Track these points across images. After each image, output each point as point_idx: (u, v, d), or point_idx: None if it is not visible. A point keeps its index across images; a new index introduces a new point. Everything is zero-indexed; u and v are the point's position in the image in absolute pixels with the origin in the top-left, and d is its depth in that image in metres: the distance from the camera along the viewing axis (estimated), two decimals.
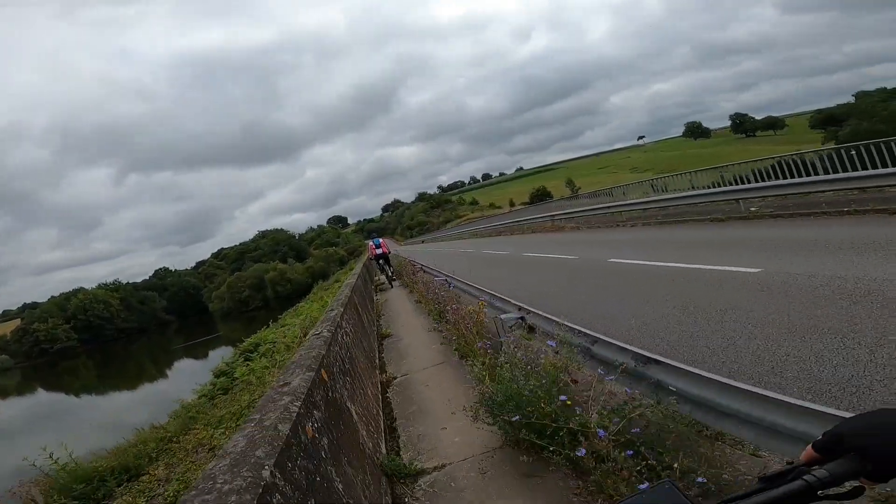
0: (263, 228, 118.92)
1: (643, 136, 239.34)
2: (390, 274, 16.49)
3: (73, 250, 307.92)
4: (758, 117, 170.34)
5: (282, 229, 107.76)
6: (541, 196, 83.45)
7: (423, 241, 65.28)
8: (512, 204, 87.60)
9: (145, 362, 58.09)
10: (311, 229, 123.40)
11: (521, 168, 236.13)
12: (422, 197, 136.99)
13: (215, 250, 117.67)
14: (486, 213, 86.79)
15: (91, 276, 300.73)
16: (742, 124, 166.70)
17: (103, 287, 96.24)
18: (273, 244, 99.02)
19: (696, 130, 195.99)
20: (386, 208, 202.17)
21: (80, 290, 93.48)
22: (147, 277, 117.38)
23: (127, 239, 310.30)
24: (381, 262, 16.78)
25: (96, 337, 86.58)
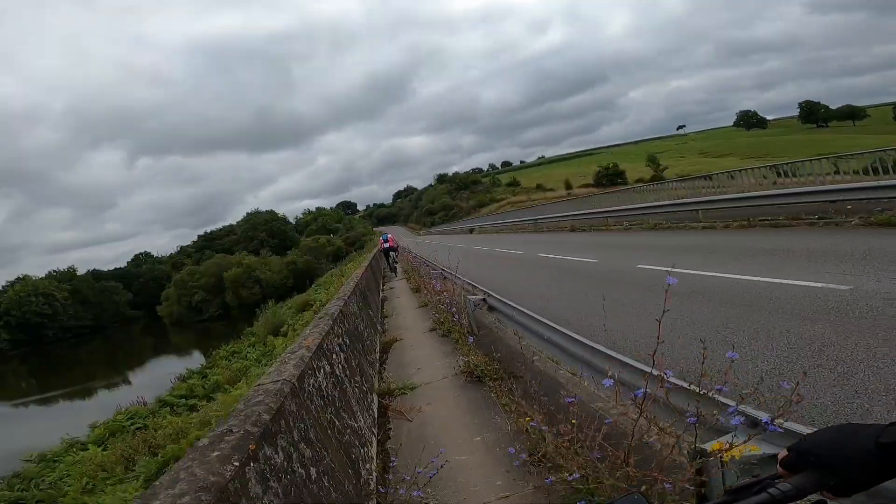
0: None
1: (683, 126, 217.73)
2: (395, 264, 19.49)
3: (85, 231, 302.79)
4: (832, 107, 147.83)
5: (271, 210, 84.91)
6: (612, 176, 64.27)
7: (471, 230, 45.31)
8: (568, 186, 67.91)
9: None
10: (308, 212, 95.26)
11: (542, 157, 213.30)
12: (442, 178, 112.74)
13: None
14: (532, 196, 67.29)
15: (102, 257, 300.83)
16: (814, 113, 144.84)
17: (53, 276, 78.76)
18: (249, 229, 78.32)
19: (750, 119, 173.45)
20: (398, 195, 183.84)
21: (25, 278, 76.07)
22: (125, 264, 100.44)
23: (139, 220, 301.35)
24: (388, 253, 19.91)
25: (35, 338, 69.35)
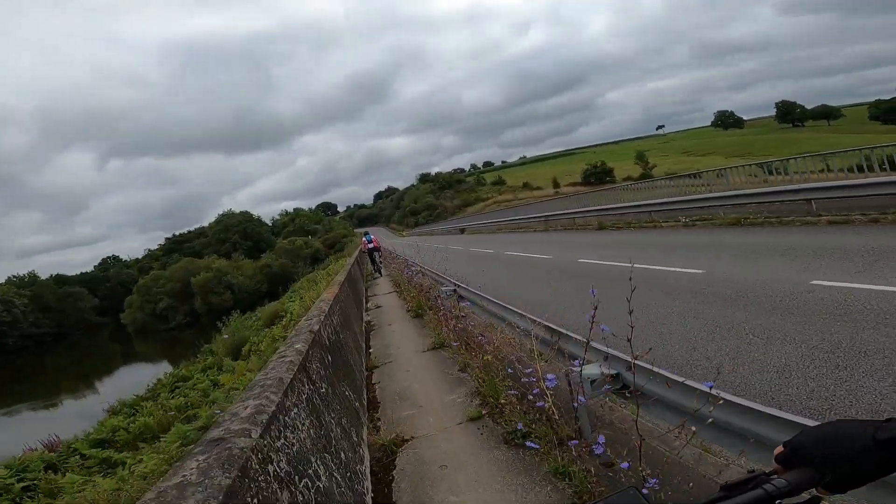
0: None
1: (662, 126, 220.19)
2: (379, 265, 20.05)
3: (56, 234, 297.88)
4: (807, 107, 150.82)
5: (245, 212, 78.45)
6: (600, 174, 62.98)
7: (462, 231, 42.92)
8: (556, 185, 66.16)
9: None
10: (285, 213, 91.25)
11: (524, 157, 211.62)
12: (424, 178, 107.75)
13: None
14: (519, 195, 65.52)
15: (74, 261, 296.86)
16: (790, 113, 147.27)
17: (13, 281, 74.12)
18: (221, 231, 72.87)
19: (727, 119, 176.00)
20: (379, 195, 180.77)
21: None
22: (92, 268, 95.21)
23: (112, 223, 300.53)
24: (372, 254, 20.45)
25: None
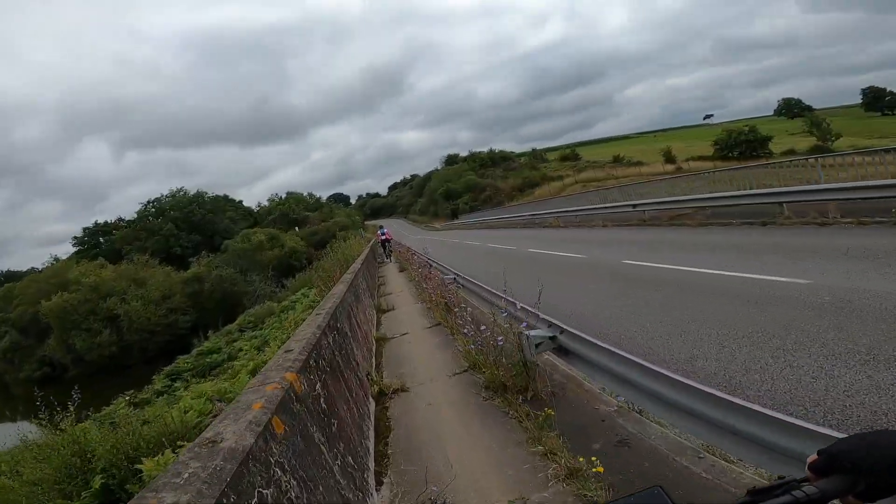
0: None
1: (711, 115, 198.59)
2: (390, 253, 22.53)
3: (77, 223, 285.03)
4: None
5: (201, 192, 53.11)
6: (749, 144, 42.28)
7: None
8: (671, 160, 45.22)
9: None
10: (275, 198, 64.92)
11: (533, 148, 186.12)
12: (452, 160, 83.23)
13: None
14: (615, 173, 44.50)
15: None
16: (880, 99, 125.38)
17: None
18: (156, 217, 46.74)
19: (793, 108, 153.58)
20: (394, 186, 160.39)
21: None
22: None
23: (128, 213, 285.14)
24: (384, 245, 23.18)
25: None
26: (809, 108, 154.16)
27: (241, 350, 16.14)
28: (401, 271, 16.57)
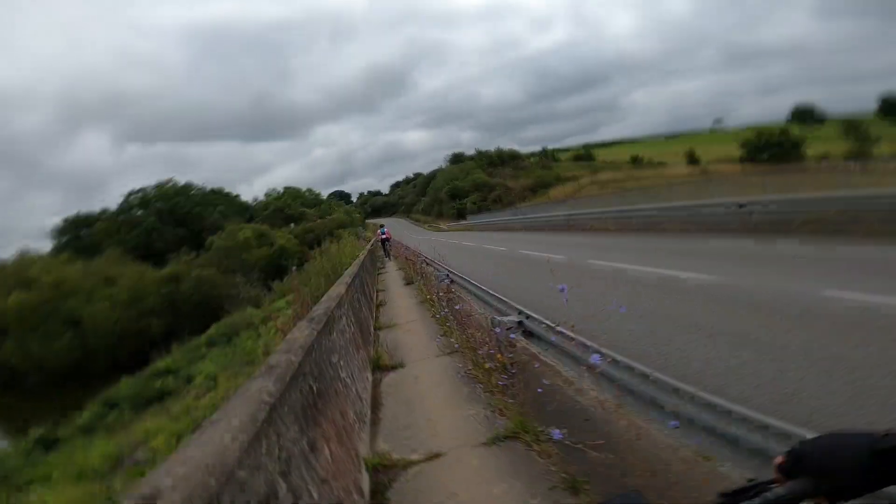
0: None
1: (720, 119, 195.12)
2: (388, 251, 23.21)
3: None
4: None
5: (187, 183, 48.13)
6: (782, 147, 38.91)
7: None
8: (694, 160, 41.83)
9: None
10: (273, 193, 59.13)
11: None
12: (457, 158, 78.88)
13: None
14: (637, 174, 40.88)
15: None
16: None
17: None
18: (139, 208, 42.99)
19: (807, 114, 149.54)
20: (396, 185, 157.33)
21: None
22: None
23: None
24: (384, 244, 23.82)
25: None
26: (823, 116, 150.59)
27: (200, 373, 12.74)
28: (407, 284, 12.68)
